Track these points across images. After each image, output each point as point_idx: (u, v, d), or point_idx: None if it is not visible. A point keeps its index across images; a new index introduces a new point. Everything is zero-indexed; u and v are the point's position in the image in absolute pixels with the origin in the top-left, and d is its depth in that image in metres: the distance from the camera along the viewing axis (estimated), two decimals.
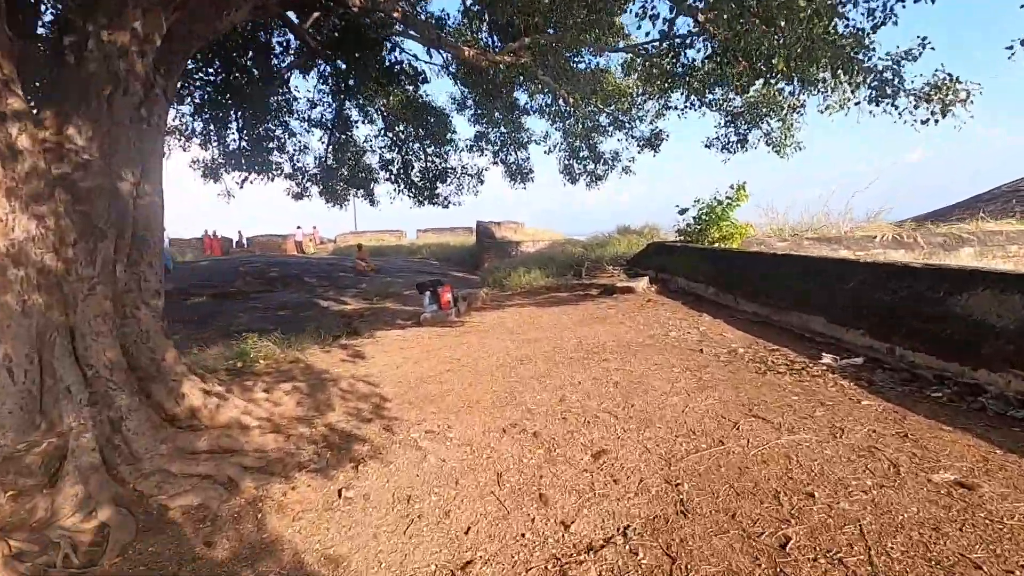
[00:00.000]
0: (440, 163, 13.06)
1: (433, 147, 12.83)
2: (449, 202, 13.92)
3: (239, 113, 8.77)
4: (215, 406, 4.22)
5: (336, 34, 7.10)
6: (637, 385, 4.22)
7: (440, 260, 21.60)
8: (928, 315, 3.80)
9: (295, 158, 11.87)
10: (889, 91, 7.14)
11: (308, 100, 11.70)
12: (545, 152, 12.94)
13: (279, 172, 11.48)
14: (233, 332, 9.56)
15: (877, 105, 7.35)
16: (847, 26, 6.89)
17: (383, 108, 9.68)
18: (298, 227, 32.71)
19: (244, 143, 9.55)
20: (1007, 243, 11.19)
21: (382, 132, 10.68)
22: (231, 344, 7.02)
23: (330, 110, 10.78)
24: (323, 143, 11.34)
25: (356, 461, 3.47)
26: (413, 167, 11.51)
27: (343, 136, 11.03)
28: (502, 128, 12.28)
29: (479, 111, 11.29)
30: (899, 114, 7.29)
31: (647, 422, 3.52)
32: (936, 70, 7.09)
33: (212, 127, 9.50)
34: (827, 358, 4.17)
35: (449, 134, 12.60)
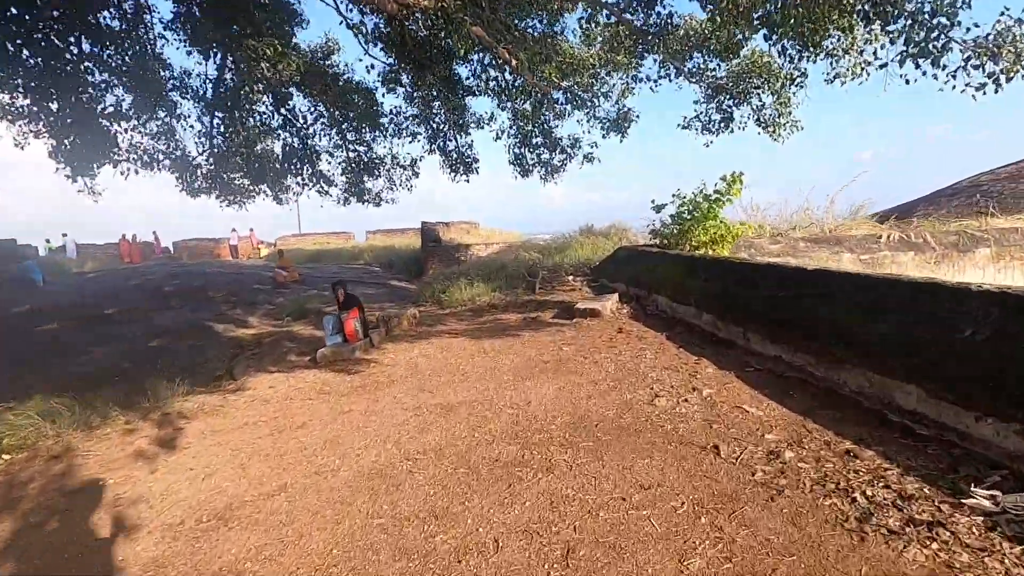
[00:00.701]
0: (365, 152, 10.72)
1: (354, 133, 10.48)
2: (382, 199, 11.61)
3: (38, 68, 6.26)
4: None
5: None
6: (613, 559, 2.08)
7: (383, 266, 19.03)
8: None
9: (173, 143, 9.31)
10: (933, 47, 5.27)
11: (187, 70, 9.22)
12: (493, 138, 10.74)
13: (147, 161, 8.90)
14: (72, 376, 7.11)
15: (916, 66, 5.46)
16: None
17: (269, 74, 7.26)
18: (233, 230, 29.52)
19: (65, 117, 6.99)
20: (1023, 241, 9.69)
21: (273, 109, 8.22)
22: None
23: (204, 76, 8.31)
24: (205, 122, 8.85)
25: None
26: (319, 156, 9.10)
27: (229, 115, 8.53)
28: (438, 108, 10.02)
29: (398, 78, 8.96)
30: (950, 76, 5.41)
31: None
32: (1002, 13, 5.25)
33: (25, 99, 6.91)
34: (980, 494, 2.13)
35: (377, 118, 10.29)
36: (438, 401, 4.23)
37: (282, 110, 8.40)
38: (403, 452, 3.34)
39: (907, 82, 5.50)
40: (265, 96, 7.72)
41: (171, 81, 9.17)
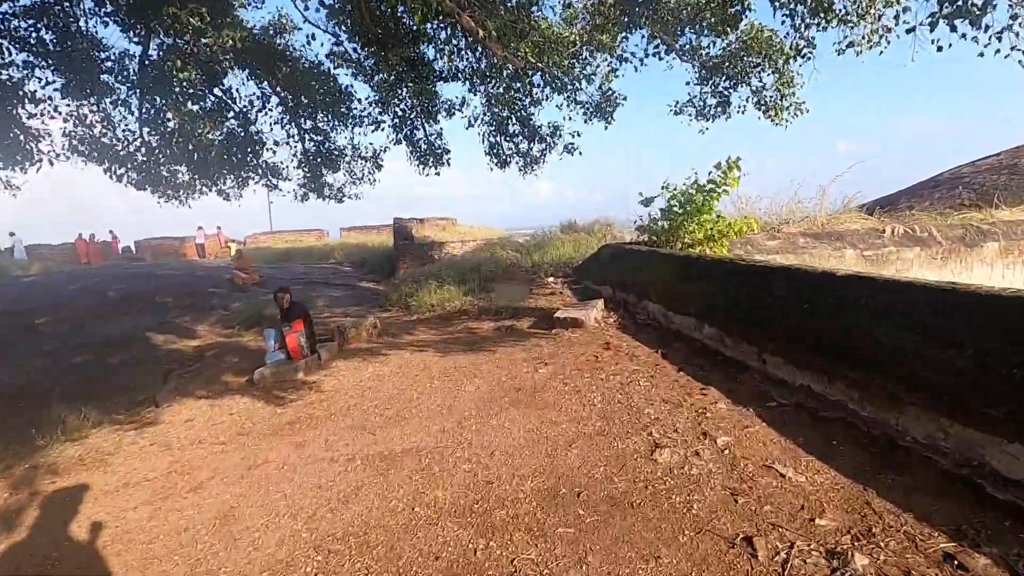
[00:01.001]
0: (322, 142, 9.70)
1: (310, 120, 9.46)
2: (344, 194, 10.60)
3: None
4: None
5: None
6: None
7: (354, 265, 17.93)
8: None
9: (100, 130, 8.18)
10: (973, 6, 4.48)
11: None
12: (466, 125, 9.76)
13: (68, 151, 7.77)
14: None
15: (952, 29, 4.67)
16: None
17: (196, 48, 6.20)
18: (200, 228, 28.10)
19: None
20: None
21: (205, 87, 7.14)
22: None
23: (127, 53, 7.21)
24: (133, 106, 7.73)
25: None
26: (264, 145, 8.06)
27: (159, 96, 7.43)
28: (403, 93, 9.02)
29: (351, 57, 7.95)
30: (993, 38, 4.62)
31: None
32: None
33: None
34: None
35: (337, 104, 9.28)
36: (379, 448, 3.32)
37: (216, 91, 7.33)
38: (315, 537, 2.43)
39: (939, 48, 4.71)
40: (193, 74, 6.62)
41: (107, 62, 8.05)
